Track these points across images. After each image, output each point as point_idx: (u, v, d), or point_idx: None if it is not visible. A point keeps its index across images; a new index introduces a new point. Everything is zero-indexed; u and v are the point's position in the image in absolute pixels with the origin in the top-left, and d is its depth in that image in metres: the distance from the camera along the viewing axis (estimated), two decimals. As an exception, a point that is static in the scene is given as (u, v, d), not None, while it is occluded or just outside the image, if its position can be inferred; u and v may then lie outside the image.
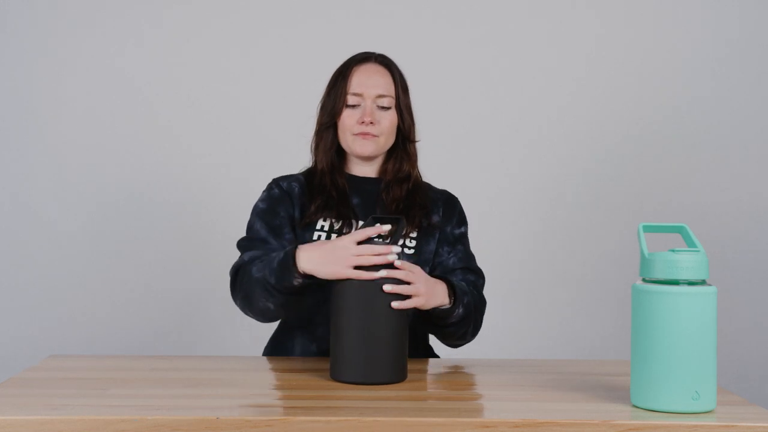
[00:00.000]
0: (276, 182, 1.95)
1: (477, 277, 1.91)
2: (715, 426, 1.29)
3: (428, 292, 1.62)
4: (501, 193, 3.01)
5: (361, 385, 1.53)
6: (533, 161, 3.00)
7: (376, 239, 1.59)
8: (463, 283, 1.80)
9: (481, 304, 1.87)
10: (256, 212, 1.90)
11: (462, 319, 1.75)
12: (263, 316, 1.77)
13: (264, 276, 1.68)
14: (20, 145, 2.94)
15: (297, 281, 1.64)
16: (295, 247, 1.65)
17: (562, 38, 3.01)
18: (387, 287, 1.53)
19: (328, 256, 1.58)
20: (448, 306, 1.71)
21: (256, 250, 1.81)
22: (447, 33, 3.01)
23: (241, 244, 1.87)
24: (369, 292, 1.54)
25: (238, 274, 1.78)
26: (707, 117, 3.01)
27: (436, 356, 1.97)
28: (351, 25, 2.98)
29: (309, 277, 1.63)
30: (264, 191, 1.94)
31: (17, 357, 2.83)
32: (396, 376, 1.56)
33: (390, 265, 1.56)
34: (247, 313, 1.81)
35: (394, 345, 1.56)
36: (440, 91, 2.99)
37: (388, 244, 1.58)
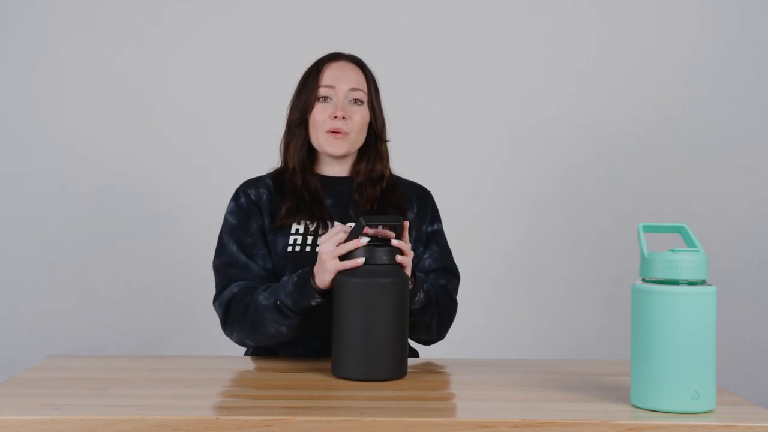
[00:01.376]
0: (243, 190, 1.92)
1: (450, 279, 1.90)
2: (715, 426, 1.29)
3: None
4: (502, 193, 3.00)
5: (362, 382, 1.54)
6: (533, 161, 3.00)
7: (377, 244, 1.60)
8: (422, 275, 1.79)
9: (449, 302, 1.86)
10: (228, 230, 1.88)
11: (425, 306, 1.74)
12: (271, 341, 1.76)
13: (277, 300, 1.69)
14: (20, 145, 2.94)
15: (315, 301, 1.66)
16: (310, 269, 1.66)
17: (561, 38, 3.01)
18: (395, 242, 1.59)
19: (319, 265, 1.63)
20: (410, 288, 1.68)
21: (239, 279, 1.82)
22: (447, 33, 3.01)
23: (220, 270, 1.86)
24: (369, 290, 1.56)
25: (231, 306, 1.79)
26: (707, 117, 3.01)
27: (415, 353, 1.96)
28: (351, 25, 2.98)
29: (323, 296, 1.66)
30: (231, 200, 1.91)
31: (17, 357, 2.83)
32: (395, 373, 1.58)
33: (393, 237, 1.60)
34: (245, 343, 1.81)
35: (393, 343, 1.57)
36: (439, 91, 2.99)
37: (390, 246, 1.60)
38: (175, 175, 2.96)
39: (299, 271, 1.69)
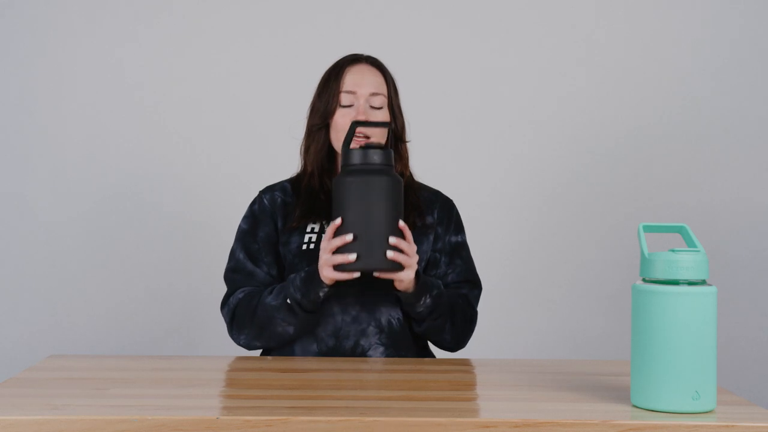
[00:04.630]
0: (259, 196, 1.96)
1: (471, 289, 1.94)
2: (715, 426, 1.29)
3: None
4: (500, 193, 3.00)
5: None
6: (532, 160, 3.00)
7: (371, 147, 1.72)
8: (437, 281, 1.85)
9: (467, 311, 1.91)
10: (239, 235, 1.93)
11: (432, 310, 1.81)
12: (278, 340, 1.84)
13: (286, 298, 1.77)
14: (19, 144, 2.94)
15: (323, 291, 1.75)
16: (316, 266, 1.75)
17: (560, 36, 3.01)
18: (389, 254, 1.67)
19: (319, 264, 1.73)
20: (412, 291, 1.78)
21: (244, 286, 1.88)
22: (445, 32, 3.01)
23: (227, 276, 1.91)
24: (365, 187, 1.67)
25: (237, 310, 1.85)
26: (708, 116, 3.01)
27: (432, 356, 1.97)
28: (352, 25, 2.98)
29: (330, 287, 1.76)
30: (248, 206, 1.96)
31: (17, 357, 2.83)
32: (391, 263, 1.68)
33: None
34: (253, 345, 1.87)
35: (389, 235, 1.67)
36: (437, 90, 2.99)
37: (384, 148, 1.71)
38: (175, 175, 2.96)
39: (306, 269, 1.78)
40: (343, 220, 1.68)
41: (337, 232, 1.69)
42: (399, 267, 1.69)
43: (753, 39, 3.00)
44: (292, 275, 1.79)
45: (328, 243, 1.69)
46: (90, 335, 2.93)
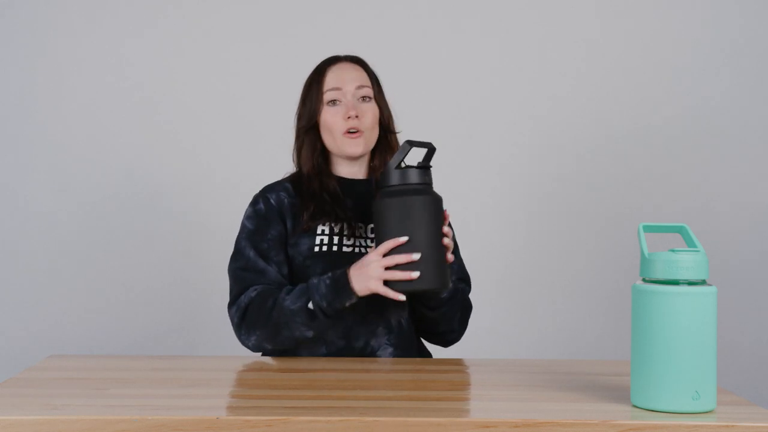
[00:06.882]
0: (263, 195, 1.91)
1: (465, 285, 1.97)
2: (715, 426, 1.29)
3: None
4: (501, 193, 3.00)
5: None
6: (532, 160, 3.00)
7: (410, 165, 1.70)
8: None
9: (467, 302, 1.95)
10: (245, 234, 1.88)
11: (452, 297, 1.84)
12: (292, 343, 1.81)
13: (309, 303, 1.73)
14: (19, 144, 2.94)
15: (350, 302, 1.72)
16: (344, 272, 1.72)
17: (560, 39, 3.01)
18: (446, 239, 1.69)
19: (361, 273, 1.69)
20: None
21: (255, 284, 1.82)
22: (445, 32, 3.01)
23: (236, 275, 1.85)
24: (408, 207, 1.65)
25: (249, 310, 1.79)
26: (708, 116, 3.01)
27: (429, 355, 1.97)
28: (352, 25, 2.98)
29: (359, 298, 1.73)
30: (249, 206, 1.91)
31: (17, 357, 2.83)
32: (439, 282, 1.67)
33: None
34: (263, 347, 1.83)
35: (435, 254, 1.66)
36: (436, 90, 2.98)
37: (427, 167, 1.70)
38: (175, 175, 2.96)
39: (329, 274, 1.74)
40: (410, 239, 1.65)
41: (400, 250, 1.66)
42: (446, 285, 1.69)
43: (753, 39, 3.00)
44: (315, 280, 1.75)
45: (390, 258, 1.66)
46: (90, 335, 2.93)
